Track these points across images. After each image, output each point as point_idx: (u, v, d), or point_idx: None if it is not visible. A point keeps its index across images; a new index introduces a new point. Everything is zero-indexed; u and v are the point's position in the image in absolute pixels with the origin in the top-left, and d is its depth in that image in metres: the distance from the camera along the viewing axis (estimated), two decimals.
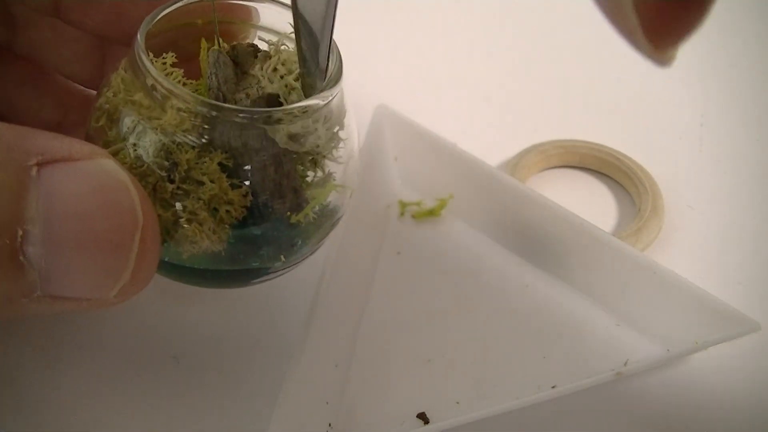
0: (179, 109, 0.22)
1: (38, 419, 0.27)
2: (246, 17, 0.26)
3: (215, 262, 0.24)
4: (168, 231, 0.23)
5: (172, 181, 0.22)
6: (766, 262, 0.36)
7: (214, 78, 0.24)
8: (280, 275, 0.26)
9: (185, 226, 0.22)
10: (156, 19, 0.24)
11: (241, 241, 0.24)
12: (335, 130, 0.24)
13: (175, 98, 0.22)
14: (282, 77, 0.24)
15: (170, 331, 0.30)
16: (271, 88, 0.24)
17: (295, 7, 0.22)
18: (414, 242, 0.35)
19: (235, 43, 0.25)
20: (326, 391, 0.28)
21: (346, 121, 0.25)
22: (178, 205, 0.22)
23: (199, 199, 0.22)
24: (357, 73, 0.30)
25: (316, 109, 0.23)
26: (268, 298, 0.32)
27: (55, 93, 0.30)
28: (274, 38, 0.26)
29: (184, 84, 0.25)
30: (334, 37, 0.24)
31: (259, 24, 0.27)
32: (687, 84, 0.46)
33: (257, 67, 0.24)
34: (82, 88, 0.31)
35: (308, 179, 0.25)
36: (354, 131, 0.26)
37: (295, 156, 0.24)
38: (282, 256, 0.25)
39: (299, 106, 0.23)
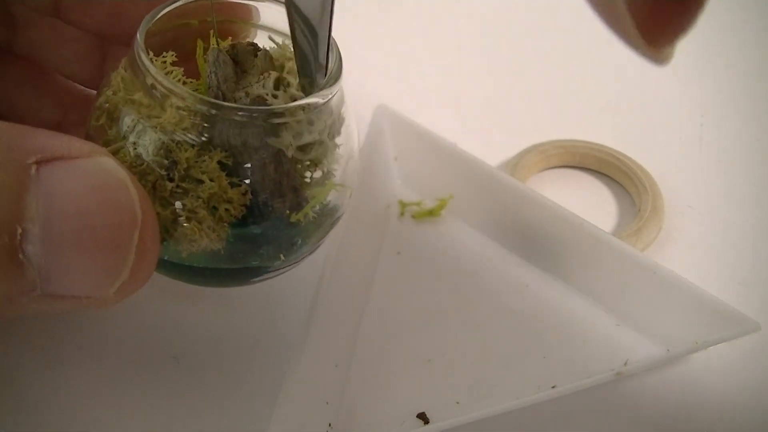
0: (179, 108, 0.22)
1: (38, 419, 0.27)
2: (246, 16, 0.26)
3: (214, 260, 0.24)
4: (167, 229, 0.23)
5: (171, 180, 0.22)
6: (766, 262, 0.36)
7: (213, 77, 0.24)
8: (280, 274, 0.26)
9: (184, 224, 0.22)
10: (156, 18, 0.24)
11: (240, 239, 0.23)
12: (335, 129, 0.24)
13: (174, 97, 0.22)
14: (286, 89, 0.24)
15: (170, 331, 0.30)
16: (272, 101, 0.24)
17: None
18: (414, 242, 0.35)
19: (234, 41, 0.25)
20: (326, 391, 0.28)
21: (345, 120, 0.25)
22: (178, 204, 0.22)
23: (199, 197, 0.22)
24: (357, 73, 0.30)
25: (315, 107, 0.23)
26: (268, 298, 0.32)
27: (55, 93, 0.30)
28: (278, 39, 0.26)
29: (184, 83, 0.25)
30: (334, 37, 0.24)
31: (260, 23, 0.27)
32: (687, 84, 0.46)
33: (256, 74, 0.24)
34: (82, 88, 0.31)
35: (308, 179, 0.25)
36: (354, 131, 0.26)
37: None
38: (281, 255, 0.25)
39: (299, 104, 0.23)
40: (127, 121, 0.22)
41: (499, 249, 0.35)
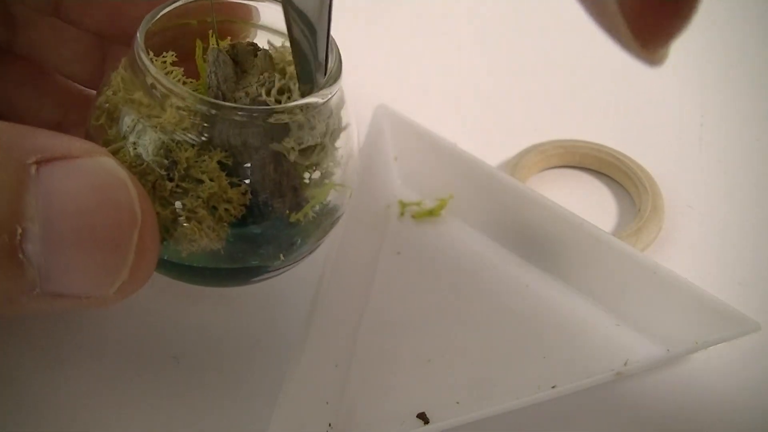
0: (179, 108, 0.22)
1: (38, 419, 0.27)
2: (246, 16, 0.26)
3: (214, 260, 0.24)
4: (167, 229, 0.23)
5: (171, 180, 0.22)
6: (766, 262, 0.36)
7: (213, 76, 0.24)
8: (280, 274, 0.26)
9: (184, 224, 0.22)
10: (156, 18, 0.24)
11: (240, 239, 0.24)
12: (335, 129, 0.24)
13: (174, 97, 0.22)
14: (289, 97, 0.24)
15: (170, 331, 0.30)
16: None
17: None
18: (414, 242, 0.35)
19: (234, 41, 0.25)
20: (326, 391, 0.28)
21: (345, 120, 0.25)
22: (178, 204, 0.22)
23: (198, 197, 0.22)
24: (357, 73, 0.30)
25: (315, 107, 0.23)
26: (268, 297, 0.32)
27: (55, 93, 0.30)
28: (278, 42, 0.26)
29: (184, 83, 0.25)
30: (334, 37, 0.24)
31: (260, 23, 0.27)
32: (687, 84, 0.46)
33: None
34: (82, 88, 0.31)
35: (307, 179, 0.25)
36: (354, 131, 0.26)
37: None
38: (281, 255, 0.25)
39: (298, 104, 0.23)
40: (127, 120, 0.22)
41: (499, 249, 0.35)
